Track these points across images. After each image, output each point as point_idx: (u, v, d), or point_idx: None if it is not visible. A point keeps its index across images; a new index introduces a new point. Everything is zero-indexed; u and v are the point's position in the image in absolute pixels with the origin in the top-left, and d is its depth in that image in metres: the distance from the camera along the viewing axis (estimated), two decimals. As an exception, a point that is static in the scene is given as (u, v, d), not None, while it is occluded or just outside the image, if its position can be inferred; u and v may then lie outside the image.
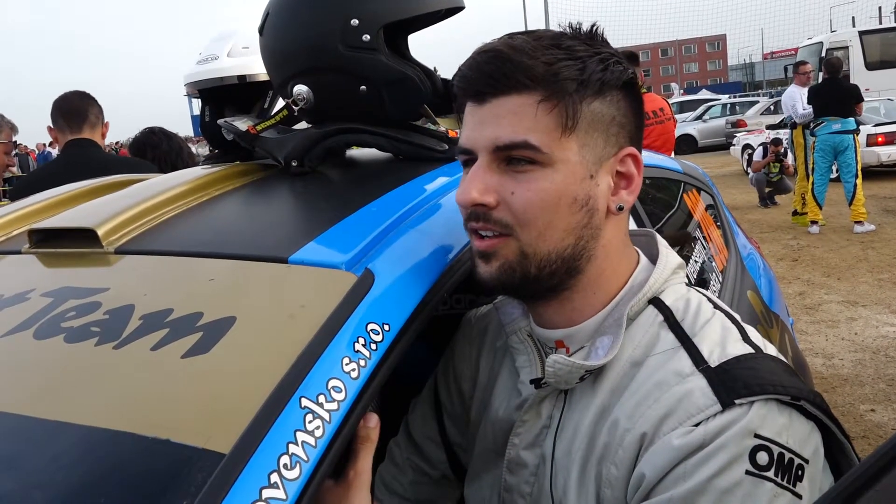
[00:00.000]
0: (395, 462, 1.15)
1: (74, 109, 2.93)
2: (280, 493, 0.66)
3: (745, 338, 0.83)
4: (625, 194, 0.87)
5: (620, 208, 0.87)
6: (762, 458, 0.72)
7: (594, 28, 0.87)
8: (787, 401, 0.76)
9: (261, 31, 1.34)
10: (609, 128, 0.85)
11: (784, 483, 0.72)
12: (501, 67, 0.81)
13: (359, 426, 0.83)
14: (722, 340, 0.82)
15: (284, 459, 0.68)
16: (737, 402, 0.74)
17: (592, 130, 0.83)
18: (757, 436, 0.73)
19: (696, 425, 0.75)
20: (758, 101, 20.73)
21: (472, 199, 0.83)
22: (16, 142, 3.13)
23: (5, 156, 3.04)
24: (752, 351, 0.81)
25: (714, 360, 0.79)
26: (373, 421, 0.84)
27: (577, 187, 0.83)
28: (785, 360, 0.83)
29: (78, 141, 2.90)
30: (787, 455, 0.73)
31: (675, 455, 0.74)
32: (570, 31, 0.86)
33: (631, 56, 5.07)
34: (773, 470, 0.72)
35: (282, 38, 1.29)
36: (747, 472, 0.72)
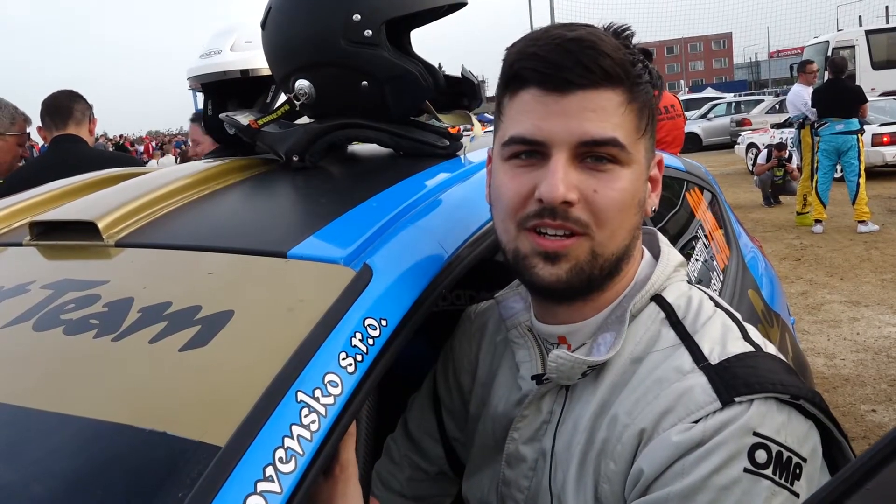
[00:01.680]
0: (393, 459, 1.15)
1: (59, 107, 2.98)
2: (275, 487, 0.66)
3: (746, 336, 0.83)
4: (654, 197, 0.90)
5: (654, 211, 0.89)
6: (761, 456, 0.72)
7: (629, 31, 0.85)
8: (787, 399, 0.76)
9: (263, 25, 1.34)
10: (653, 133, 0.87)
11: (782, 481, 0.72)
12: (598, 58, 0.78)
13: None
14: (722, 338, 0.82)
15: (280, 453, 0.68)
16: (736, 399, 0.74)
17: (650, 134, 0.85)
18: (756, 434, 0.73)
19: (696, 422, 0.75)
20: (763, 100, 20.67)
21: (562, 195, 0.78)
22: (29, 134, 3.17)
23: (19, 147, 3.09)
24: (753, 349, 0.81)
25: (714, 358, 0.79)
26: None
27: (641, 189, 0.84)
28: (784, 358, 0.83)
29: (63, 137, 2.94)
30: (786, 454, 0.73)
31: (673, 451, 0.75)
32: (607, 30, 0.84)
33: (646, 53, 5.05)
34: (771, 468, 0.72)
35: (284, 33, 1.29)
36: (745, 470, 0.72)
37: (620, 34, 0.83)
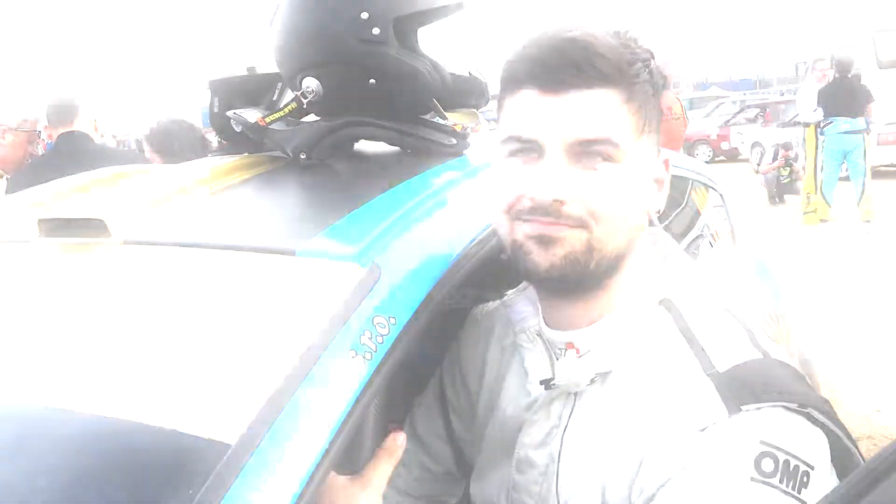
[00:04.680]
0: (401, 459, 1.15)
1: (64, 104, 2.98)
2: (286, 484, 0.66)
3: (754, 341, 0.83)
4: (661, 198, 0.89)
5: (659, 211, 0.89)
6: (767, 464, 0.72)
7: (630, 31, 0.85)
8: (795, 408, 0.75)
9: (271, 23, 1.34)
10: (656, 133, 0.86)
11: (789, 490, 0.71)
12: (591, 58, 0.78)
13: (388, 438, 0.85)
14: (730, 344, 0.82)
15: (291, 450, 0.68)
16: (743, 408, 0.74)
17: (652, 134, 0.84)
18: (763, 442, 0.72)
19: (702, 430, 0.74)
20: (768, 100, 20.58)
21: (551, 194, 0.79)
22: (40, 132, 3.19)
23: (29, 144, 3.11)
24: (761, 356, 0.80)
25: (722, 365, 0.79)
26: (401, 439, 0.86)
27: (642, 188, 0.84)
28: (793, 364, 0.82)
29: (69, 134, 2.94)
30: (793, 462, 0.72)
31: (679, 460, 0.74)
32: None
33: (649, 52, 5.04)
34: (777, 476, 0.71)
35: (291, 31, 1.29)
36: (752, 479, 0.71)
37: (621, 34, 0.84)
